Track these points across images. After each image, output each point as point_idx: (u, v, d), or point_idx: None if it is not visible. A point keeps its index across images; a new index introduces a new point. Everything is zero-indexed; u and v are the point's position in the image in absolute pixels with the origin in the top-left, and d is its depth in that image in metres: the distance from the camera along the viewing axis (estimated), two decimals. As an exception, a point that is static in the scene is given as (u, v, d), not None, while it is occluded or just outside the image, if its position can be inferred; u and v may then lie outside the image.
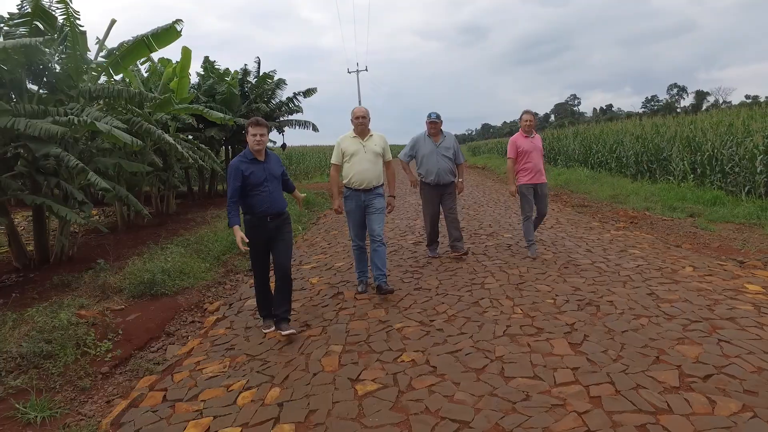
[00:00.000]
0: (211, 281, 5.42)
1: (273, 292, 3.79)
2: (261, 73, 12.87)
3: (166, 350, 3.80)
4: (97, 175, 6.11)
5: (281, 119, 13.19)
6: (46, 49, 5.90)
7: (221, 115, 8.96)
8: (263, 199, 3.59)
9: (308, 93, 12.92)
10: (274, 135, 13.30)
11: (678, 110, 56.42)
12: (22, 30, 5.98)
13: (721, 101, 61.57)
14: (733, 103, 51.35)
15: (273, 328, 3.73)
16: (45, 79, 6.67)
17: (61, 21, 6.22)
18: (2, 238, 8.06)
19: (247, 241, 3.50)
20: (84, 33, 6.56)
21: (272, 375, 3.00)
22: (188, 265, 5.48)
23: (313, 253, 6.39)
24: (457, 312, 3.72)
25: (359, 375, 2.86)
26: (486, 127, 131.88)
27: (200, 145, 9.69)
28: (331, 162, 4.54)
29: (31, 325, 3.89)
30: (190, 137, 10.20)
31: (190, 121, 9.92)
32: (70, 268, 6.33)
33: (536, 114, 5.54)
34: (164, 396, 2.97)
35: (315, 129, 13.28)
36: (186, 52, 9.83)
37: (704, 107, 53.14)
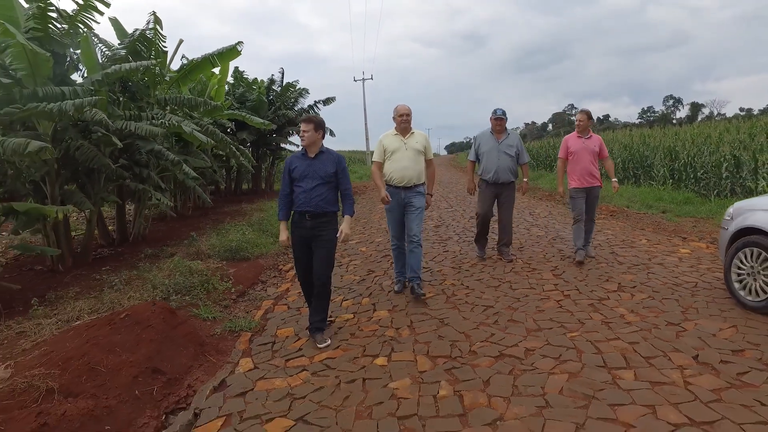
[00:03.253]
0: (278, 251, 7.14)
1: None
2: (285, 83, 14.71)
3: (266, 290, 5.51)
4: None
5: (302, 125, 15.01)
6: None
7: (261, 120, 10.72)
8: (298, 195, 3.64)
9: (327, 101, 14.76)
10: (295, 138, 15.12)
11: (674, 121, 58.90)
12: (121, 52, 7.68)
13: (715, 113, 64.44)
14: (728, 115, 53.86)
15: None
16: (128, 89, 8.40)
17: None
18: (70, 223, 9.69)
19: (288, 243, 3.74)
20: (166, 52, 8.31)
21: (360, 293, 4.77)
22: (258, 239, 7.20)
23: (353, 234, 8.14)
24: (477, 262, 5.56)
25: (419, 291, 4.62)
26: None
27: (239, 146, 11.41)
28: (373, 159, 4.66)
29: (168, 271, 5.59)
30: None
31: (230, 125, 11.65)
32: (146, 245, 8.00)
33: (590, 114, 5.47)
34: (287, 306, 4.70)
35: (332, 134, 15.12)
36: (225, 64, 11.58)
37: (699, 119, 55.50)
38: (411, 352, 3.31)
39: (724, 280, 3.96)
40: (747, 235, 3.70)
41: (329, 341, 3.65)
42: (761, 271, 3.49)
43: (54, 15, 6.28)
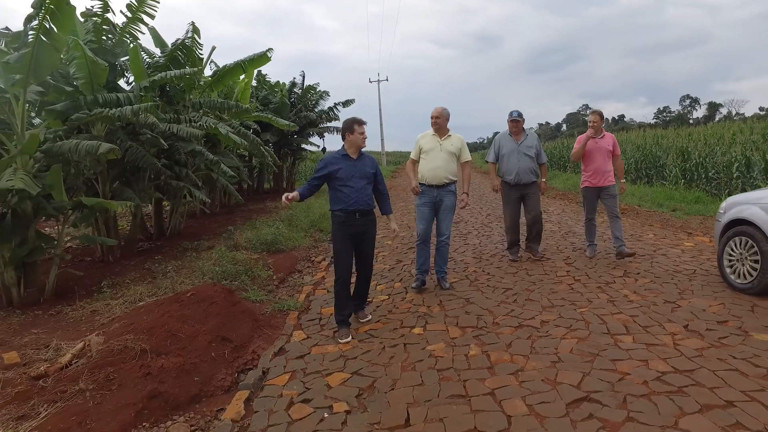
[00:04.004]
0: (309, 244, 7.79)
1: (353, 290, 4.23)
2: (306, 85, 15.41)
3: (303, 278, 6.14)
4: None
5: (321, 126, 15.71)
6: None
7: (285, 122, 11.39)
8: (348, 195, 3.87)
9: (347, 103, 15.44)
10: (315, 139, 15.84)
11: (690, 121, 58.69)
12: (161, 60, 8.37)
13: (734, 113, 64.01)
14: (747, 115, 53.50)
15: (350, 339, 3.84)
16: (165, 93, 9.08)
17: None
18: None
19: (290, 200, 3.75)
20: (201, 60, 8.99)
21: (392, 279, 5.40)
22: (291, 233, 7.85)
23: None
24: (496, 252, 6.15)
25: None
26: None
27: (266, 147, 12.10)
28: (410, 157, 5.13)
29: (214, 260, 6.23)
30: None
31: (255, 127, 12.33)
32: (182, 239, 8.67)
33: (602, 114, 5.69)
34: (326, 290, 5.32)
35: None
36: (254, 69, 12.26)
37: (717, 119, 55.19)
38: (443, 323, 3.92)
39: (717, 266, 4.52)
40: (737, 225, 4.25)
41: (370, 316, 4.29)
42: (748, 257, 4.04)
43: (107, 28, 6.98)
